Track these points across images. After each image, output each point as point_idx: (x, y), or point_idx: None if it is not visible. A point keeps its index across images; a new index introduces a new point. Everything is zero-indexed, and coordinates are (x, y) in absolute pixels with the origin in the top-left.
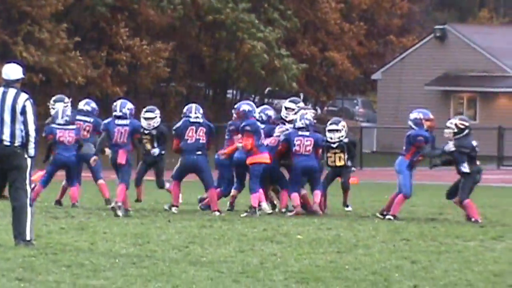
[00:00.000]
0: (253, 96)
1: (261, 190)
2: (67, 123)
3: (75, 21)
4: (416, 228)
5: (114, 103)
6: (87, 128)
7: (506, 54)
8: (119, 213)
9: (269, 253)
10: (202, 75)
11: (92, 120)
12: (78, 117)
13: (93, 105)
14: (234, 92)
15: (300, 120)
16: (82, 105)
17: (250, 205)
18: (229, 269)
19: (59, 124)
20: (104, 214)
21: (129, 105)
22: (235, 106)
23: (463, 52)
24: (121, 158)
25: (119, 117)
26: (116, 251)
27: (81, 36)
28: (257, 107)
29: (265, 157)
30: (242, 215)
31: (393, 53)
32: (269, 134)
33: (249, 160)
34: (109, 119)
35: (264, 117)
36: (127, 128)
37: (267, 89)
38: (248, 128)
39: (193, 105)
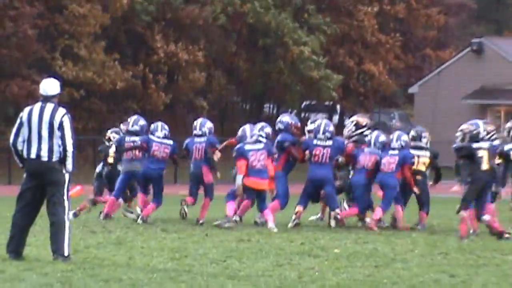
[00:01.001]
0: (290, 109)
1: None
2: (166, 136)
3: (112, 37)
4: (454, 242)
5: (194, 123)
6: (138, 148)
7: None
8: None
9: (306, 267)
10: (238, 89)
11: (140, 139)
12: (127, 138)
13: (142, 122)
14: (271, 106)
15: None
16: (130, 125)
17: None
18: (266, 283)
19: (158, 137)
20: (141, 228)
21: (209, 124)
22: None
23: (500, 65)
24: (208, 177)
25: (199, 136)
26: (154, 266)
27: (118, 51)
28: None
29: (260, 183)
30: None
31: (430, 67)
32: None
33: (245, 181)
34: (190, 139)
35: (264, 135)
36: (204, 144)
37: (304, 103)
38: (234, 154)
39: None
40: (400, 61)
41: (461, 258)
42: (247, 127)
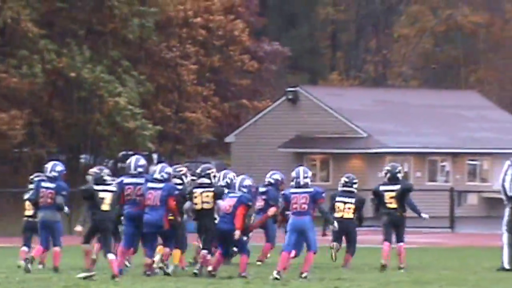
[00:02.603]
0: (106, 161)
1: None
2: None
3: None
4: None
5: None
6: (50, 195)
7: (357, 116)
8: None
9: None
10: (55, 140)
11: (54, 185)
12: (42, 184)
13: (59, 168)
14: (88, 156)
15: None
16: (49, 171)
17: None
18: None
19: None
20: None
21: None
22: None
23: (315, 114)
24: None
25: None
26: None
27: None
28: (113, 173)
29: None
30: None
31: (247, 116)
32: None
33: None
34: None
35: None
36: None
37: (121, 153)
38: None
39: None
40: (217, 111)
41: None
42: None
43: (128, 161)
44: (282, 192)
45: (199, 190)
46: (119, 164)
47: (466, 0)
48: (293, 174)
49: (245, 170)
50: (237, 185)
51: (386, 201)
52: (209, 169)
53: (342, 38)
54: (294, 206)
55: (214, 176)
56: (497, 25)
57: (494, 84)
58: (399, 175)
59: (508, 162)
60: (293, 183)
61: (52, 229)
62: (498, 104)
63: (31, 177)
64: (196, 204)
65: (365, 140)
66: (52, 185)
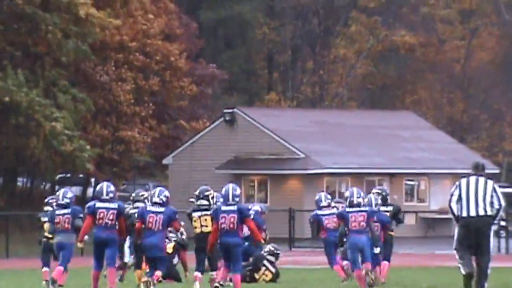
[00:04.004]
0: (43, 183)
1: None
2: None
3: None
4: None
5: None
6: (67, 220)
7: (294, 137)
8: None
9: None
10: None
11: (70, 210)
12: (57, 211)
13: (69, 195)
14: (24, 179)
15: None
16: (61, 198)
17: None
18: None
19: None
20: None
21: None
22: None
23: (252, 135)
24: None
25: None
26: None
27: None
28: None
29: None
30: None
31: (184, 138)
32: None
33: None
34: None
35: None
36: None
37: (58, 176)
38: None
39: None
40: (154, 132)
41: None
42: None
43: (99, 186)
44: (338, 211)
45: (197, 214)
46: (57, 187)
47: (402, 21)
48: (347, 194)
49: (183, 192)
50: (230, 195)
51: None
52: (207, 190)
53: (278, 59)
54: (353, 224)
55: (213, 198)
56: (433, 46)
57: (430, 105)
58: (388, 197)
59: (456, 183)
60: (346, 203)
61: (66, 250)
62: (434, 124)
63: (46, 200)
64: (195, 227)
65: (303, 161)
66: (67, 211)
